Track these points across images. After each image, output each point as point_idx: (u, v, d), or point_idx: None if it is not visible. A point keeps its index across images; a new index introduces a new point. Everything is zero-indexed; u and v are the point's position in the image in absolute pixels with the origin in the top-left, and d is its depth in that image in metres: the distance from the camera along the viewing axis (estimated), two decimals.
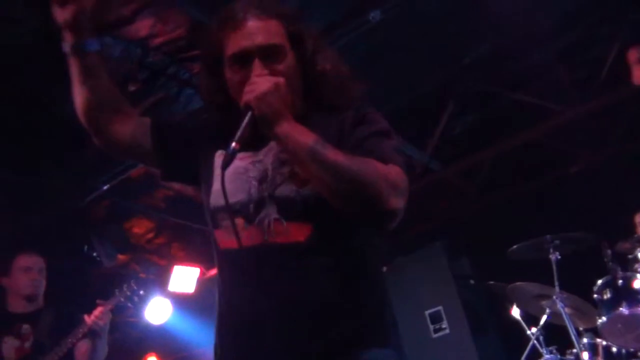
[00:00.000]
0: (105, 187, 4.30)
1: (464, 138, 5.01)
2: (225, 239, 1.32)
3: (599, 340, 3.13)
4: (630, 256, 3.19)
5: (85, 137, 1.56)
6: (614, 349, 3.06)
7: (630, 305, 2.94)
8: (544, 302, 3.41)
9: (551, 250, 3.41)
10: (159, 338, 5.88)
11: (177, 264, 5.30)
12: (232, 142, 1.20)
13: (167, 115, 3.81)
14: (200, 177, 1.46)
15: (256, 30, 1.33)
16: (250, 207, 1.30)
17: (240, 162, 1.33)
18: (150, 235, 5.32)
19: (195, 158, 1.48)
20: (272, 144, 1.33)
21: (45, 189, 4.47)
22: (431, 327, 5.30)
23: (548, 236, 3.39)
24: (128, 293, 2.98)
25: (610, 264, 3.07)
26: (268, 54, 1.32)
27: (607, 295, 3.04)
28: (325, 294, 1.26)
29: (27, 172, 4.22)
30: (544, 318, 3.41)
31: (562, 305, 3.23)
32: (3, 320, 2.98)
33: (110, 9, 2.94)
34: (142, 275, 5.42)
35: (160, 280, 5.28)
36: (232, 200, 1.26)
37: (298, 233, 1.26)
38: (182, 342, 5.99)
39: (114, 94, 1.49)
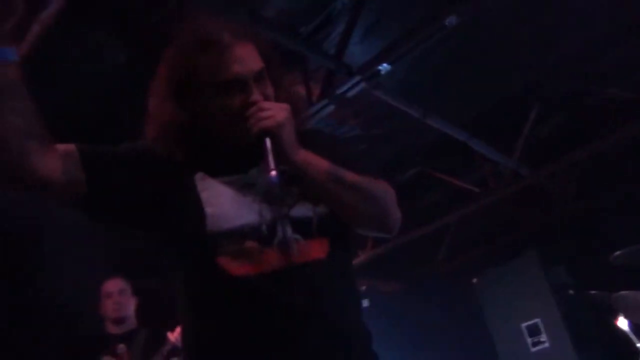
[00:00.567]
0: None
1: (553, 140, 4.77)
2: (236, 265, 1.21)
3: None
4: None
5: None
6: None
7: None
8: None
9: None
10: None
11: None
12: (270, 170, 1.14)
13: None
14: (157, 215, 1.27)
15: (246, 56, 1.28)
16: (262, 228, 1.23)
17: (229, 186, 1.26)
18: None
19: (144, 193, 1.26)
20: (261, 165, 1.22)
21: None
22: (529, 340, 5.09)
23: None
24: None
25: None
26: (259, 79, 1.28)
27: None
28: (346, 307, 1.30)
29: None
30: None
31: None
32: (102, 341, 3.13)
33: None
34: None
35: None
36: (238, 223, 1.21)
37: (319, 250, 1.26)
38: None
39: (36, 120, 1.14)
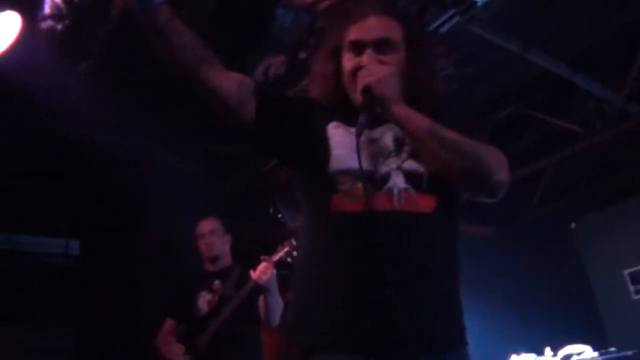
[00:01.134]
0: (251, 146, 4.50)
1: None
2: (345, 202, 1.36)
3: None
4: None
5: None
6: None
7: None
8: None
9: None
10: None
11: None
12: (361, 117, 1.33)
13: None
14: (299, 150, 1.50)
15: (375, 25, 1.47)
16: (377, 175, 1.38)
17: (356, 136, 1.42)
18: None
19: (294, 130, 1.50)
20: (385, 125, 1.44)
21: (235, 157, 4.86)
22: (631, 288, 4.88)
23: None
24: (288, 248, 3.02)
25: None
26: (381, 47, 1.45)
27: None
28: (444, 263, 1.40)
29: (220, 142, 4.62)
30: None
31: None
32: (201, 278, 3.31)
33: None
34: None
35: None
36: (356, 166, 1.33)
37: (425, 205, 1.38)
38: None
39: (204, 48, 1.39)
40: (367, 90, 1.37)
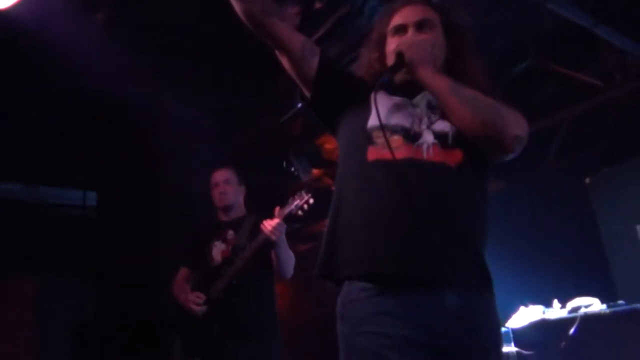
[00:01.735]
0: (299, 105, 4.50)
1: None
2: (379, 151, 1.54)
3: None
4: None
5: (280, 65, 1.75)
6: None
7: None
8: None
9: None
10: None
11: None
12: (384, 76, 1.56)
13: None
14: (342, 114, 1.70)
15: (415, 10, 1.69)
16: (411, 132, 1.56)
17: (399, 101, 1.63)
18: None
19: (344, 97, 1.70)
20: (424, 94, 1.62)
21: (249, 110, 4.86)
22: None
23: None
24: (299, 201, 3.02)
25: None
26: (421, 26, 1.66)
27: None
28: (467, 214, 1.51)
29: (233, 94, 4.60)
30: None
31: None
32: (215, 228, 3.34)
33: None
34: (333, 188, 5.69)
35: None
36: (394, 122, 1.57)
37: (450, 159, 1.53)
38: None
39: (272, 3, 1.67)
40: (399, 54, 1.57)
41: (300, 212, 3.00)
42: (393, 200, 1.47)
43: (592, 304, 3.75)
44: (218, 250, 3.24)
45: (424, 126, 1.58)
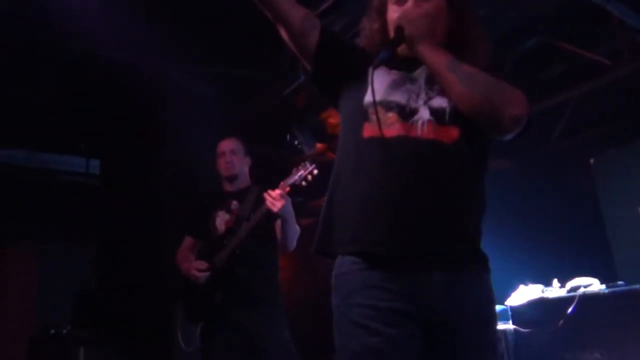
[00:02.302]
0: (303, 77, 4.47)
1: None
2: (373, 128, 1.52)
3: None
4: None
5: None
6: None
7: None
8: None
9: None
10: None
11: None
12: (383, 51, 1.52)
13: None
14: (343, 89, 1.69)
15: None
16: (407, 109, 1.54)
17: (398, 76, 1.60)
18: None
19: (344, 72, 1.68)
20: (423, 67, 1.59)
21: (253, 82, 4.82)
22: None
23: None
24: (303, 172, 3.01)
25: None
26: None
27: None
28: (462, 190, 1.50)
29: (238, 66, 4.57)
30: None
31: None
32: (219, 198, 3.35)
33: None
34: None
35: None
36: (390, 98, 1.55)
37: (445, 136, 1.50)
38: None
39: None
40: (398, 28, 1.55)
41: (304, 183, 2.99)
42: (384, 179, 1.48)
43: (591, 284, 3.77)
44: (222, 220, 3.25)
45: (420, 102, 1.55)
